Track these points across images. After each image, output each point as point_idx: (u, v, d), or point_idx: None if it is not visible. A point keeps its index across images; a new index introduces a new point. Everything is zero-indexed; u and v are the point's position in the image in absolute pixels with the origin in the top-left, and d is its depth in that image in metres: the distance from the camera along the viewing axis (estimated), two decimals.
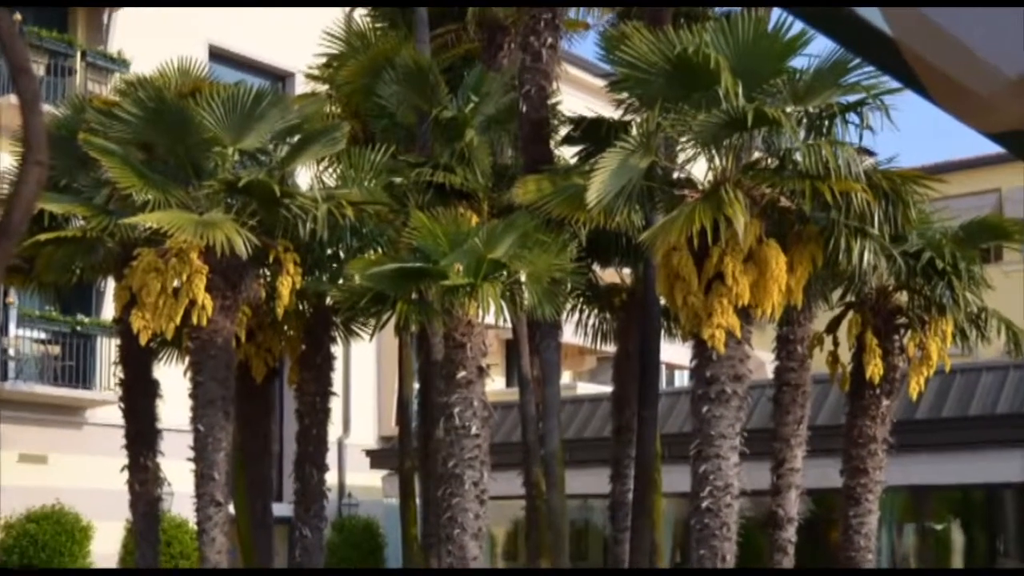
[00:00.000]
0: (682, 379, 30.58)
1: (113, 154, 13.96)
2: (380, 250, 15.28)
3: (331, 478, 17.48)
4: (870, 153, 17.64)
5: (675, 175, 13.97)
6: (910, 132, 16.51)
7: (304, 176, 16.44)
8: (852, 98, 13.76)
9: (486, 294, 13.10)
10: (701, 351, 13.12)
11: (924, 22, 2.88)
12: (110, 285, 17.11)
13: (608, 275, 17.66)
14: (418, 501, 16.68)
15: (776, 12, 13.00)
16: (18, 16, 21.37)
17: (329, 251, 15.72)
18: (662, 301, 14.83)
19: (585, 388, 27.18)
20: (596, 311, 17.36)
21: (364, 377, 28.50)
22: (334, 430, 17.69)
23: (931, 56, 2.93)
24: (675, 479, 16.31)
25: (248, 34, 26.53)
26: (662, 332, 16.44)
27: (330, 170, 16.15)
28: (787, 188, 13.11)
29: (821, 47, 14.09)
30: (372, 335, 16.35)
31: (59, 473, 22.38)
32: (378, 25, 17.66)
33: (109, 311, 18.98)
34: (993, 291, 16.06)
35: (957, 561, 20.86)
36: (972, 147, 34.82)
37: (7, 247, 3.48)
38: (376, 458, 26.19)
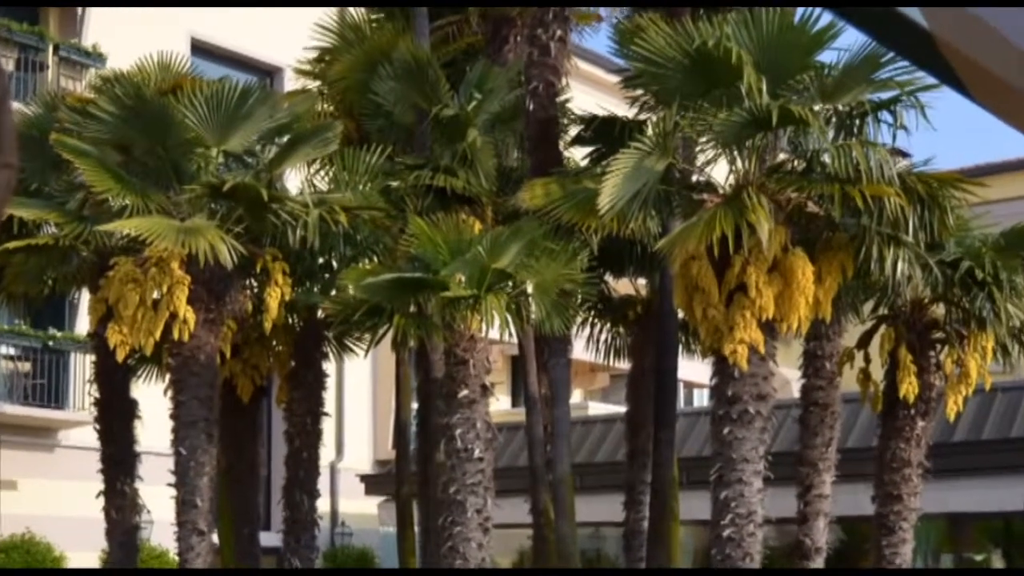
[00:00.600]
0: (701, 398, 30.52)
1: (88, 155, 13.98)
2: (376, 259, 15.28)
3: (323, 505, 17.47)
4: (904, 154, 17.64)
5: (694, 178, 13.98)
6: (948, 132, 16.50)
7: (294, 179, 16.45)
8: (885, 95, 13.77)
9: (490, 306, 13.10)
10: (722, 368, 13.12)
11: (963, 16, 2.88)
12: (84, 297, 17.12)
13: (622, 286, 17.65)
14: (417, 530, 16.67)
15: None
16: None
17: (321, 260, 15.74)
18: (680, 314, 14.82)
19: (597, 408, 27.13)
20: (609, 325, 17.35)
21: (358, 396, 28.49)
22: (326, 453, 17.70)
23: (970, 51, 2.94)
24: (694, 506, 16.29)
25: (233, 26, 26.53)
26: (680, 348, 16.43)
27: (322, 173, 16.15)
28: (815, 192, 13.11)
29: (851, 40, 14.07)
30: (367, 351, 16.37)
31: (29, 499, 22.37)
32: (374, 17, 17.64)
33: (83, 325, 18.99)
34: None
35: None
36: (1014, 148, 34.84)
37: None
38: (371, 483, 26.16)
